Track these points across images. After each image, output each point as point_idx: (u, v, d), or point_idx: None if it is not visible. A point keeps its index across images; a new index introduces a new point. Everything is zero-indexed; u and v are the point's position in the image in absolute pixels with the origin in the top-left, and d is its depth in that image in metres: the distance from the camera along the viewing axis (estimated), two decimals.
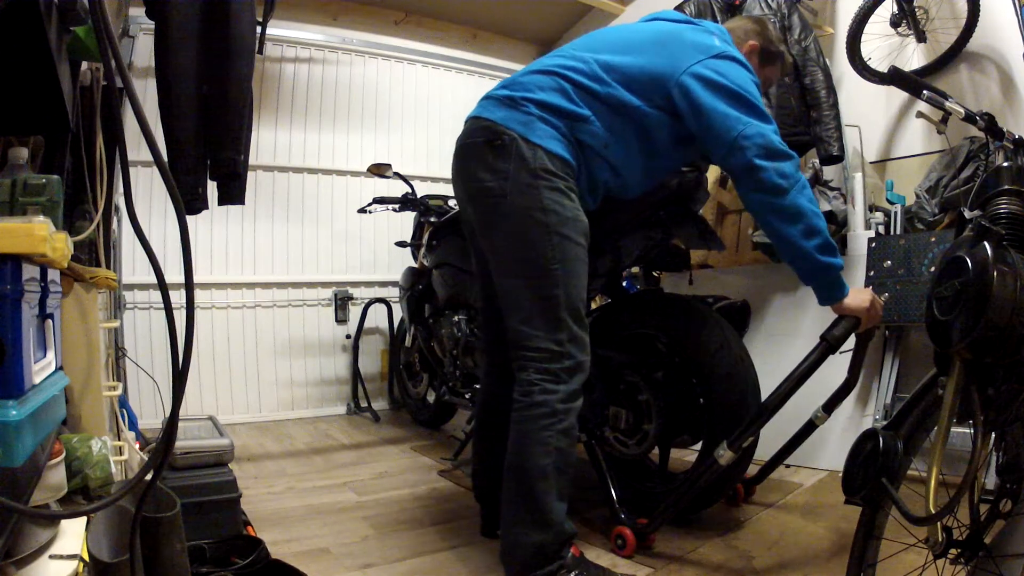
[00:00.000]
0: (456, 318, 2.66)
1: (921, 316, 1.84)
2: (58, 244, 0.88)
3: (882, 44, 2.53)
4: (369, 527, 1.91)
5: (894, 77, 1.29)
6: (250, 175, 2.11)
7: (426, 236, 2.84)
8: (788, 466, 2.29)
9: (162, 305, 1.26)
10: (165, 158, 1.11)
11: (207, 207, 1.89)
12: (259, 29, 1.94)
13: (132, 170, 0.98)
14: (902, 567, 1.11)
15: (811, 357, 1.48)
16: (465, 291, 2.53)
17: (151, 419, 2.94)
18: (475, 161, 1.51)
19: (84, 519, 1.03)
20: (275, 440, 3.14)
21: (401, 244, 3.34)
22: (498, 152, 1.47)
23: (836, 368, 1.62)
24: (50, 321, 1.01)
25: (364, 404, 3.79)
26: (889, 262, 2.21)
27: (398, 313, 3.53)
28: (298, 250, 3.80)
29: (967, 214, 1.07)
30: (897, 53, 2.53)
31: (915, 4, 2.38)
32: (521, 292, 1.47)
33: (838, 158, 2.44)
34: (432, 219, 2.96)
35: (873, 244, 2.28)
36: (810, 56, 2.46)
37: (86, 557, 0.93)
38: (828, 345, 1.47)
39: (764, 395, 1.61)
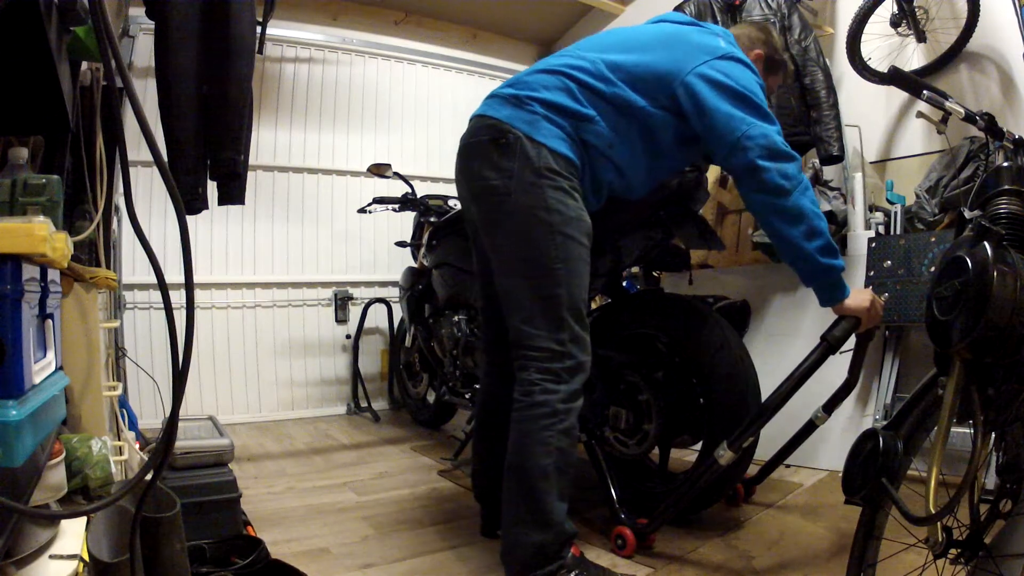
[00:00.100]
0: (456, 318, 2.66)
1: (921, 316, 1.84)
2: (58, 244, 0.88)
3: (882, 44, 2.53)
4: (369, 527, 1.91)
5: (894, 77, 1.29)
6: (250, 175, 2.11)
7: (426, 236, 2.84)
8: (788, 466, 2.29)
9: (162, 305, 1.26)
10: (165, 158, 1.11)
11: (207, 207, 1.89)
12: (259, 29, 1.94)
13: (132, 170, 0.99)
14: (902, 567, 1.11)
15: (811, 357, 1.48)
16: (465, 291, 2.53)
17: (151, 419, 2.94)
18: (479, 159, 1.51)
19: (84, 519, 1.03)
20: (275, 440, 3.14)
21: (401, 244, 3.34)
22: (503, 151, 1.47)
23: (836, 368, 1.62)
24: (50, 321, 1.01)
25: (364, 404, 3.79)
26: (889, 262, 2.21)
27: (398, 313, 3.53)
28: (298, 250, 3.80)
29: (967, 214, 1.07)
30: (897, 53, 2.54)
31: (915, 4, 2.38)
32: (523, 291, 1.47)
33: (838, 158, 2.44)
34: (432, 219, 2.96)
35: (873, 244, 2.28)
36: (810, 56, 2.46)
37: (86, 557, 0.93)
38: (828, 345, 1.47)
39: (764, 395, 1.61)
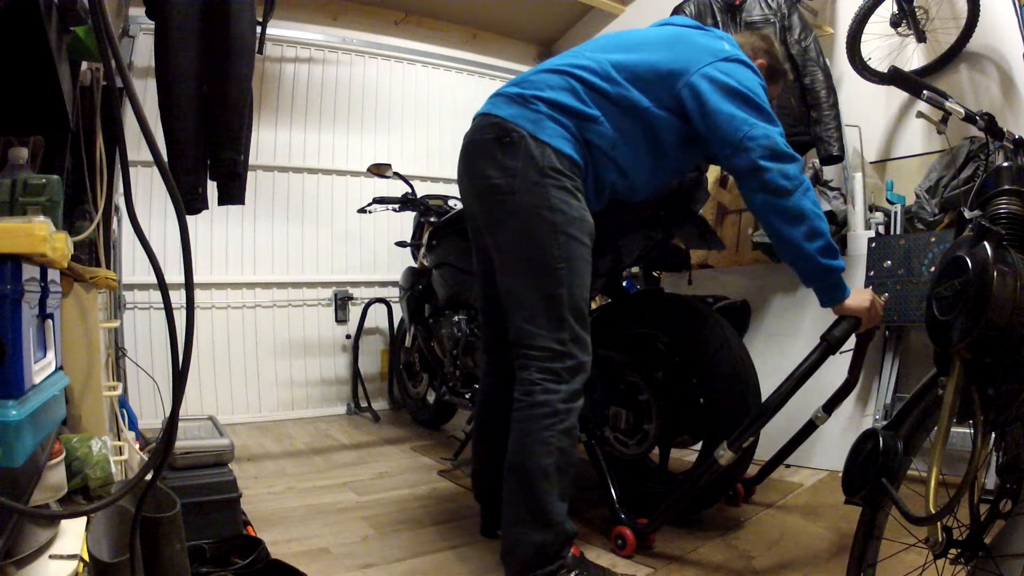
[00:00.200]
0: (456, 318, 2.66)
1: (921, 316, 1.84)
2: (58, 244, 0.88)
3: (882, 44, 2.53)
4: (369, 527, 1.91)
5: (894, 77, 1.30)
6: (250, 175, 2.11)
7: (426, 236, 2.84)
8: (788, 466, 2.29)
9: (162, 305, 1.26)
10: (165, 158, 1.11)
11: (207, 207, 1.89)
12: (259, 29, 1.94)
13: (132, 170, 0.98)
14: (902, 567, 1.11)
15: (811, 357, 1.48)
16: (465, 291, 2.53)
17: (151, 419, 2.94)
18: (483, 158, 1.51)
19: (84, 519, 1.03)
20: (275, 440, 3.14)
21: (401, 244, 3.34)
22: (507, 149, 1.47)
23: (836, 368, 1.62)
24: (50, 321, 1.01)
25: (364, 404, 3.79)
26: (889, 262, 2.21)
27: (398, 313, 3.53)
28: (298, 250, 3.80)
29: (967, 214, 1.07)
30: (897, 53, 2.54)
31: (915, 4, 2.38)
32: (525, 290, 1.47)
33: (838, 158, 2.44)
34: (432, 219, 2.96)
35: (873, 244, 2.28)
36: (810, 56, 2.46)
37: (86, 557, 0.93)
38: (828, 345, 1.47)
39: (764, 395, 1.61)
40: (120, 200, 2.54)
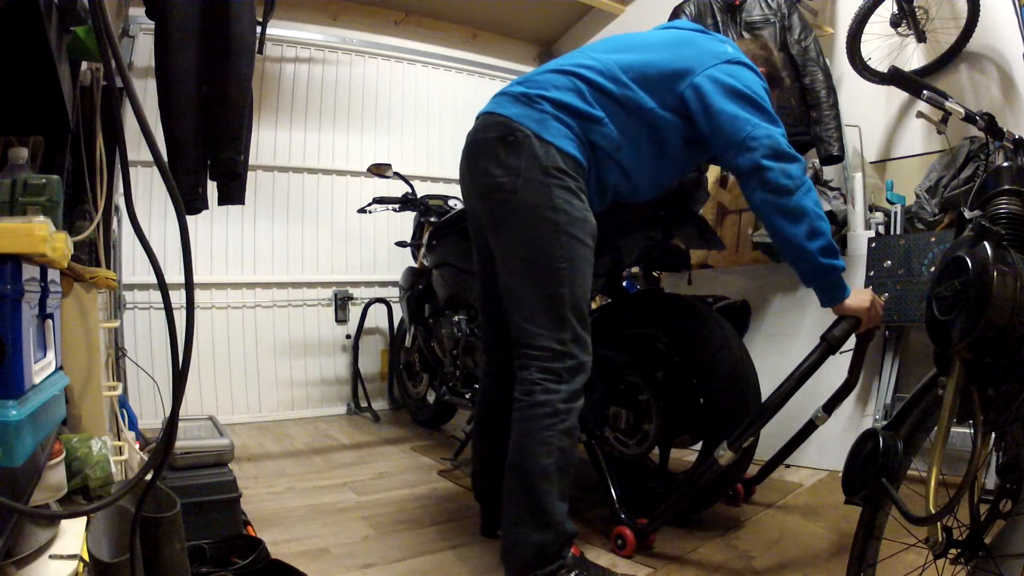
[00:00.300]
0: (456, 318, 2.66)
1: (921, 316, 1.84)
2: (58, 244, 0.88)
3: (882, 44, 2.53)
4: (369, 527, 1.91)
5: (894, 77, 1.30)
6: (250, 175, 2.11)
7: (426, 236, 2.84)
8: (788, 466, 2.29)
9: (162, 305, 1.26)
10: (165, 158, 1.11)
11: (207, 207, 1.89)
12: (259, 29, 1.94)
13: (132, 170, 0.98)
14: (902, 567, 1.11)
15: (811, 357, 1.48)
16: (465, 291, 2.53)
17: (151, 419, 2.94)
18: (486, 156, 1.51)
19: (84, 519, 1.03)
20: (275, 440, 3.14)
21: (401, 244, 3.33)
22: (511, 148, 1.47)
23: (836, 368, 1.62)
24: (50, 321, 1.01)
25: (364, 404, 3.78)
26: (889, 262, 2.21)
27: (398, 313, 3.53)
28: (298, 250, 3.80)
29: (967, 214, 1.07)
30: (897, 53, 2.54)
31: (915, 4, 2.38)
32: (526, 290, 1.47)
33: (838, 158, 2.44)
34: (432, 219, 2.96)
35: (873, 244, 2.28)
36: (810, 56, 2.46)
37: (86, 557, 0.93)
38: (828, 345, 1.47)
39: (764, 395, 1.61)
40: (120, 200, 2.54)
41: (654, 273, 2.44)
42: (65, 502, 1.13)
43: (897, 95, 2.58)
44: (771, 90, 1.78)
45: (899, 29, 2.46)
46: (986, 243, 0.94)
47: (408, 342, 3.24)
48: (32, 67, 0.97)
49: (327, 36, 3.87)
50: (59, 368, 1.09)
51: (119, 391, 1.92)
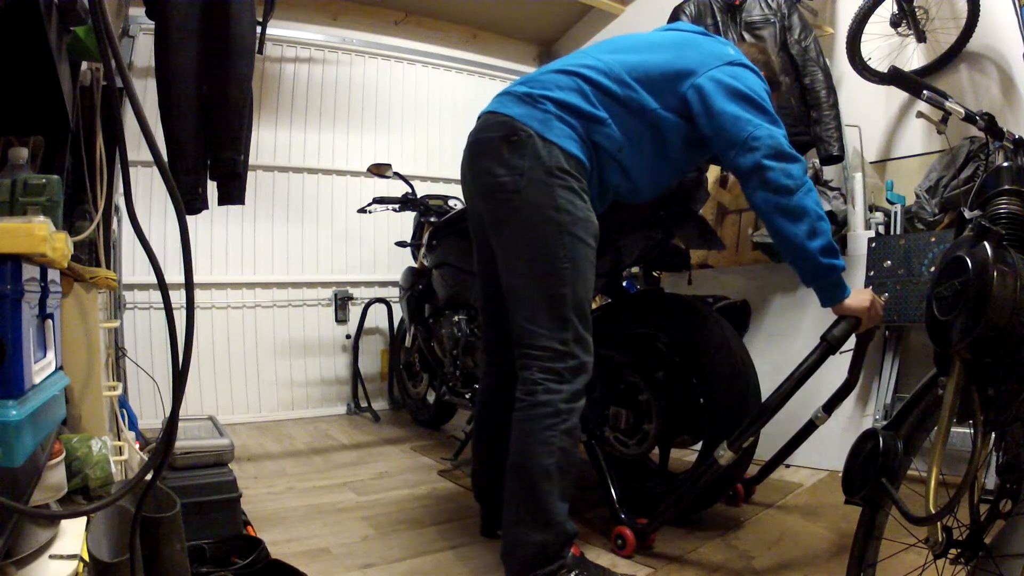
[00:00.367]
0: (456, 318, 2.66)
1: (921, 316, 1.84)
2: (58, 244, 0.88)
3: (882, 44, 2.53)
4: (369, 527, 1.91)
5: (894, 77, 1.30)
6: (250, 175, 2.11)
7: (426, 236, 2.84)
8: (788, 466, 2.29)
9: (162, 305, 1.26)
10: (165, 158, 1.11)
11: (207, 207, 1.89)
12: (259, 29, 1.94)
13: (132, 170, 0.98)
14: (902, 567, 1.11)
15: (811, 357, 1.48)
16: (465, 291, 2.53)
17: (151, 419, 2.94)
18: (489, 156, 1.51)
19: (84, 519, 1.03)
20: (275, 440, 3.14)
21: (401, 244, 3.33)
22: (514, 148, 1.47)
23: (836, 368, 1.62)
24: (50, 321, 1.01)
25: (364, 404, 3.78)
26: (889, 262, 2.21)
27: (398, 313, 3.53)
28: (298, 250, 3.80)
29: (967, 214, 1.07)
30: (897, 53, 2.54)
31: (915, 4, 2.38)
32: (528, 289, 1.47)
33: (838, 158, 2.44)
34: (432, 219, 2.96)
35: (873, 244, 2.28)
36: (810, 56, 2.46)
37: (86, 557, 0.93)
38: (828, 345, 1.47)
39: (764, 395, 1.61)
40: (120, 200, 2.54)
41: (654, 273, 2.44)
42: (65, 502, 1.13)
43: (897, 95, 2.58)
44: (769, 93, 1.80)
45: (899, 29, 2.46)
46: (986, 243, 0.94)
47: (408, 342, 3.24)
48: (32, 67, 0.97)
49: (327, 36, 3.87)
50: (59, 368, 1.09)
51: (119, 391, 1.92)
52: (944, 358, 1.03)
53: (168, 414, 0.77)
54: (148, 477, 0.77)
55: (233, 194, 1.96)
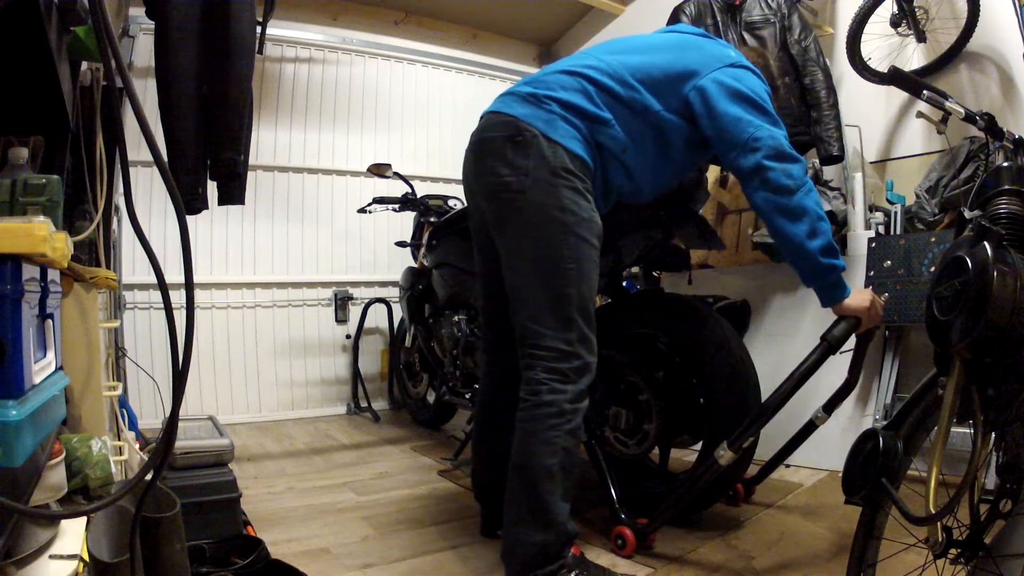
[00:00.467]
0: (456, 318, 2.66)
1: (921, 316, 1.84)
2: (58, 244, 0.88)
3: (882, 44, 2.53)
4: (369, 527, 1.91)
5: (894, 77, 1.30)
6: (250, 175, 2.11)
7: (426, 236, 2.84)
8: (788, 466, 2.29)
9: (162, 305, 1.26)
10: (165, 158, 1.11)
11: (207, 207, 1.89)
12: (259, 29, 1.94)
13: (132, 170, 0.98)
14: (902, 567, 1.11)
15: (811, 357, 1.48)
16: (465, 291, 2.53)
17: (151, 419, 2.94)
18: (493, 156, 1.50)
19: (84, 519, 1.03)
20: (275, 440, 3.14)
21: (401, 244, 3.33)
22: (518, 148, 1.47)
23: (836, 368, 1.62)
24: (50, 321, 1.01)
25: (364, 404, 3.78)
26: (889, 262, 2.21)
27: (398, 313, 3.53)
28: (298, 250, 3.80)
29: (967, 214, 1.07)
30: (897, 53, 2.54)
31: (915, 4, 2.38)
32: (533, 289, 1.47)
33: (838, 158, 2.44)
34: (432, 219, 2.96)
35: (873, 244, 2.28)
36: (810, 56, 2.46)
37: (86, 557, 0.93)
38: (828, 345, 1.47)
39: (764, 395, 1.61)
40: (120, 200, 2.54)
41: (654, 273, 2.44)
42: (65, 502, 1.13)
43: (897, 95, 2.58)
44: None
45: (899, 29, 2.46)
46: (986, 243, 0.94)
47: (408, 342, 3.24)
48: (32, 67, 0.97)
49: (327, 36, 3.87)
50: (59, 368, 1.09)
51: (119, 391, 1.92)
52: (944, 358, 1.03)
53: (168, 414, 0.77)
54: (148, 477, 0.77)
55: (233, 194, 1.96)
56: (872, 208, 2.43)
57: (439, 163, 4.11)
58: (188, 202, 1.80)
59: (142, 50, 3.13)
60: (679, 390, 1.83)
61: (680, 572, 1.56)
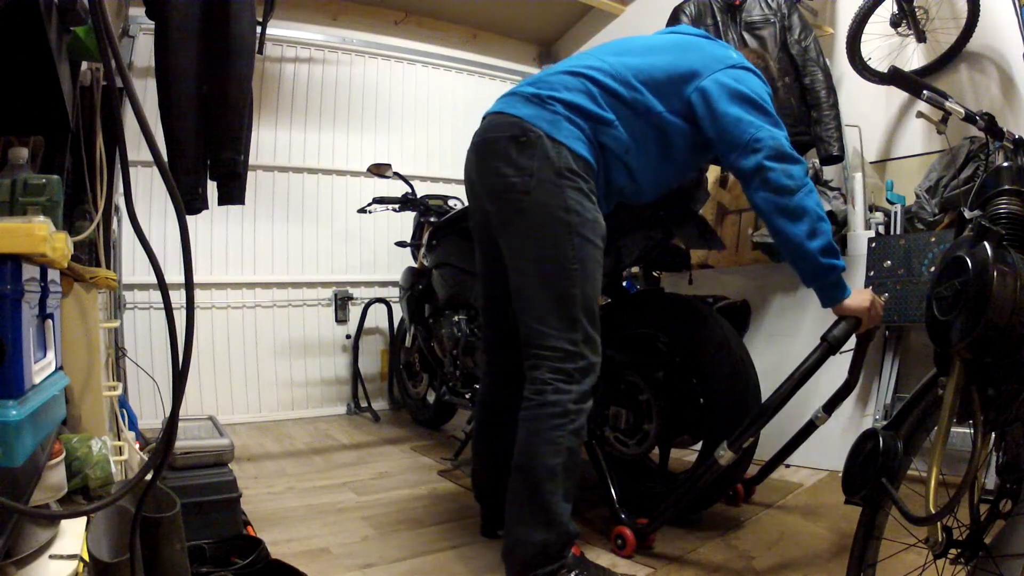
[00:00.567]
0: (456, 318, 2.66)
1: (921, 316, 1.84)
2: (58, 244, 0.88)
3: (882, 44, 2.53)
4: (369, 527, 1.91)
5: (894, 77, 1.30)
6: (250, 175, 2.11)
7: (426, 236, 2.84)
8: (788, 466, 2.29)
9: (162, 305, 1.26)
10: (165, 158, 1.11)
11: (207, 207, 1.89)
12: (259, 29, 1.94)
13: (132, 170, 0.99)
14: (902, 567, 1.11)
15: (811, 357, 1.48)
16: (465, 291, 2.53)
17: (151, 419, 2.94)
18: (497, 156, 1.50)
19: (84, 519, 1.03)
20: (275, 440, 3.14)
21: (401, 244, 3.34)
22: (523, 148, 1.47)
23: (836, 368, 1.62)
24: (50, 321, 1.01)
25: (364, 404, 3.78)
26: (889, 262, 2.21)
27: (398, 313, 3.53)
28: (298, 250, 3.80)
29: (967, 214, 1.07)
30: (897, 53, 2.54)
31: (915, 4, 2.38)
32: (537, 290, 1.47)
33: (838, 158, 2.44)
34: (432, 219, 2.96)
35: (873, 244, 2.28)
36: (810, 56, 2.46)
37: (86, 557, 0.93)
38: (829, 346, 1.47)
39: (764, 395, 1.61)
40: (120, 200, 2.54)
41: (654, 273, 2.44)
42: (65, 502, 1.13)
43: (897, 95, 2.58)
44: None
45: (899, 29, 2.46)
46: (986, 243, 0.94)
47: (408, 342, 3.24)
48: (32, 67, 0.97)
49: (327, 36, 3.87)
50: (59, 368, 1.09)
51: (119, 391, 1.92)
52: (944, 358, 1.03)
53: (168, 414, 0.77)
54: (148, 477, 0.77)
55: (233, 194, 1.96)
56: (872, 208, 2.43)
57: (439, 163, 4.11)
58: (188, 202, 1.80)
59: (142, 50, 3.13)
60: (679, 390, 1.83)
61: (680, 572, 1.56)
